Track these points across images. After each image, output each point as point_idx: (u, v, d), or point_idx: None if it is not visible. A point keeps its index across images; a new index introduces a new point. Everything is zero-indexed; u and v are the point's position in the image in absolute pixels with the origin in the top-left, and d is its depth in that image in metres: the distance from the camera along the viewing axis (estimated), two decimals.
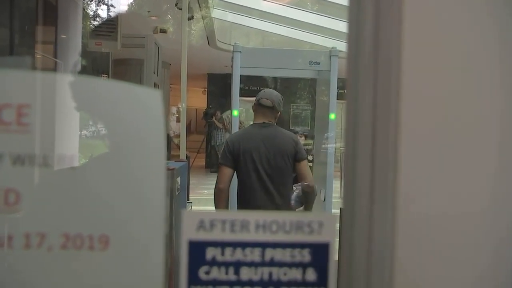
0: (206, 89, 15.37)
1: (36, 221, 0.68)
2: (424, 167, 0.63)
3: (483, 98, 0.63)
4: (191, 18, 6.79)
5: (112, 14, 7.33)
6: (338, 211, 0.91)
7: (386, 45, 0.63)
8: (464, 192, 0.63)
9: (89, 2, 7.52)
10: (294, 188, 3.09)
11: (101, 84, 0.72)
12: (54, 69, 5.92)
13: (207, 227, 0.66)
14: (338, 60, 4.64)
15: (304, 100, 14.47)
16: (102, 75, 8.10)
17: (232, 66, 4.72)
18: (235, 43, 4.78)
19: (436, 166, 0.63)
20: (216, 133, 12.02)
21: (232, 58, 4.70)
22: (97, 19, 7.54)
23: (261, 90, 3.29)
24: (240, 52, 4.65)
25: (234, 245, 0.66)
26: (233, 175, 2.96)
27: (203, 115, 13.69)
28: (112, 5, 7.51)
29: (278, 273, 0.67)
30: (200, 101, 16.19)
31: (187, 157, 5.21)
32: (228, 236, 0.66)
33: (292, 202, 3.02)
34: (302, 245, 0.67)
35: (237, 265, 0.67)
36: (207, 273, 0.66)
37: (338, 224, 0.72)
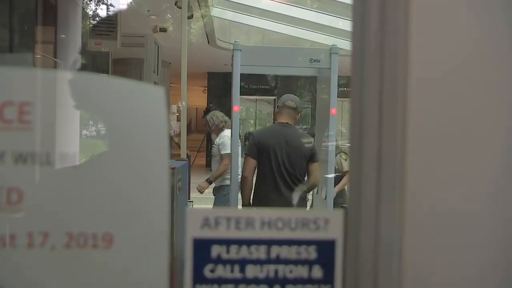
0: (206, 88, 15.36)
1: (38, 220, 0.68)
2: (432, 165, 0.62)
3: (491, 95, 0.63)
4: (190, 16, 6.78)
5: (111, 13, 7.31)
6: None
7: (392, 41, 0.62)
8: (472, 189, 0.63)
9: (88, 2, 7.51)
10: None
11: (104, 81, 0.72)
12: (54, 68, 5.91)
13: (212, 224, 0.65)
14: (339, 58, 4.63)
15: (304, 98, 14.47)
16: (102, 74, 8.07)
17: (232, 65, 4.71)
18: (235, 41, 4.77)
19: (443, 164, 0.62)
20: None
21: (233, 56, 4.69)
22: (97, 18, 7.53)
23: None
24: (241, 50, 4.64)
25: (239, 242, 0.65)
26: (256, 166, 3.42)
27: (203, 114, 13.68)
28: (111, 5, 7.50)
29: (284, 271, 0.66)
30: (200, 100, 16.17)
31: (187, 156, 5.20)
32: (233, 234, 0.65)
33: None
34: (308, 242, 0.66)
35: (243, 263, 0.66)
36: (212, 271, 0.66)
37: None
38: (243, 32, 10.74)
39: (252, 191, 3.48)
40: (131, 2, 8.70)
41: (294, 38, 9.38)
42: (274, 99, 11.73)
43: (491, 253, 0.63)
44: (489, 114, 0.63)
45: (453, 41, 0.62)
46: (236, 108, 4.72)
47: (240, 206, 3.73)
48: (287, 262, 0.66)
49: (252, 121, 15.24)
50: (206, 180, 5.09)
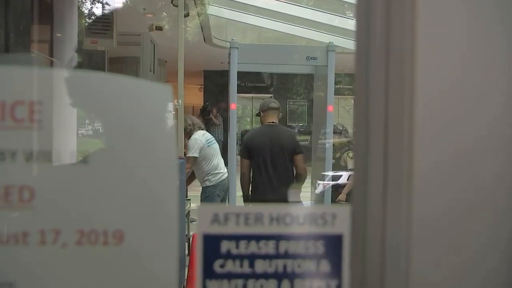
0: (203, 86, 15.34)
1: (50, 217, 0.69)
2: (439, 162, 0.62)
3: (499, 94, 0.63)
4: (186, 15, 6.77)
5: (107, 12, 7.29)
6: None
7: (398, 39, 0.63)
8: (480, 187, 0.63)
9: (84, 0, 7.48)
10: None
11: (113, 80, 0.73)
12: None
13: (221, 220, 0.66)
14: (335, 55, 4.65)
15: (300, 95, 14.47)
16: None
17: (229, 63, 4.71)
18: (232, 39, 4.78)
19: (450, 162, 0.62)
20: (213, 129, 12.03)
21: (229, 54, 4.70)
22: (93, 17, 7.50)
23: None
24: (237, 48, 4.65)
25: (248, 238, 0.67)
26: (250, 164, 4.17)
27: (200, 112, 13.67)
28: (107, 3, 7.47)
29: (293, 265, 0.67)
30: (196, 98, 16.15)
31: (185, 154, 5.21)
32: (242, 229, 0.66)
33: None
34: (315, 237, 0.67)
35: (252, 258, 0.67)
36: (222, 266, 0.67)
37: None
38: (239, 30, 10.74)
39: (250, 184, 4.26)
40: (127, 1, 8.68)
41: (290, 36, 9.39)
42: (271, 97, 11.75)
43: (501, 252, 0.63)
44: (497, 113, 0.63)
45: (460, 39, 0.62)
46: (233, 106, 4.74)
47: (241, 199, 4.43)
48: (295, 257, 0.67)
49: (248, 119, 15.23)
50: None
